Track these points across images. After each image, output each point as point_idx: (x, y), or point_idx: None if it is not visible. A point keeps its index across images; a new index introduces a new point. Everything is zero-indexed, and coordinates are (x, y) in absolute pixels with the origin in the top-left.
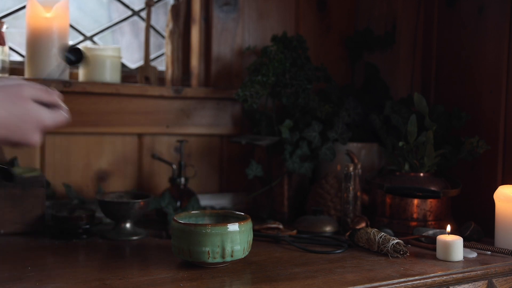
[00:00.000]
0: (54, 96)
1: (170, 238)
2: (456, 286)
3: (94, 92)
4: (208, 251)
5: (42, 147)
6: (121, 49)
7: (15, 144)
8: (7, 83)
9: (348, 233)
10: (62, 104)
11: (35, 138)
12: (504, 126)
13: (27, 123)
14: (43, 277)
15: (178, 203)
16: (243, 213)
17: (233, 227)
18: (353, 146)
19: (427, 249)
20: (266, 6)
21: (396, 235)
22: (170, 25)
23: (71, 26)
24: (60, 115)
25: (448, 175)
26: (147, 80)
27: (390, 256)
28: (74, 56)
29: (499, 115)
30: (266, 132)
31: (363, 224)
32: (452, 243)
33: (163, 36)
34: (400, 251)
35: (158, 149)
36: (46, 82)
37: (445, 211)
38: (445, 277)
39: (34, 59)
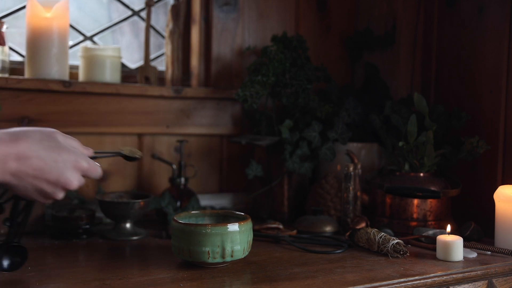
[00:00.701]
0: (88, 151)
1: (170, 238)
2: (456, 286)
3: (94, 92)
4: (208, 251)
5: None
6: (121, 49)
7: (53, 185)
8: (41, 129)
9: (348, 233)
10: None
11: (73, 176)
12: (504, 126)
13: (64, 159)
14: (43, 277)
15: (178, 203)
16: (243, 213)
17: (233, 227)
18: (353, 146)
19: (427, 249)
20: (266, 6)
21: (396, 235)
22: (170, 25)
23: (71, 26)
24: (94, 164)
25: (448, 175)
26: (147, 80)
27: (390, 256)
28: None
29: (499, 115)
30: (266, 132)
31: (363, 224)
32: (452, 243)
33: (163, 36)
34: (400, 251)
35: (158, 149)
36: (45, 80)
37: (445, 211)
38: (445, 277)
39: (34, 59)
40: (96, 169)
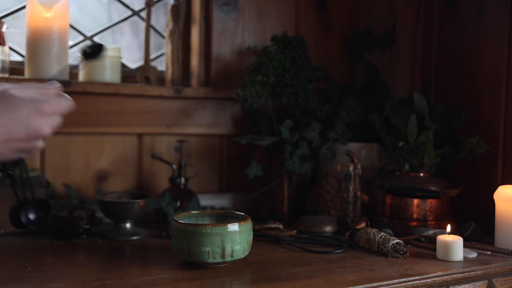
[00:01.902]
0: (51, 90)
1: (170, 238)
2: (456, 286)
3: (94, 92)
4: (208, 251)
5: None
6: (121, 49)
7: (25, 141)
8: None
9: (348, 233)
10: (64, 95)
11: (41, 124)
12: (504, 126)
13: (24, 113)
14: (43, 277)
15: (178, 203)
16: (243, 213)
17: (233, 227)
18: (353, 146)
19: (427, 249)
20: (266, 6)
21: (396, 235)
22: (170, 25)
23: (71, 26)
24: (60, 100)
25: (448, 175)
26: (147, 80)
27: (390, 256)
28: (91, 50)
29: (499, 115)
30: (266, 132)
31: (363, 224)
32: (452, 243)
33: (163, 36)
34: (400, 251)
35: (158, 149)
36: (45, 80)
37: (445, 211)
38: (445, 277)
39: (34, 59)
40: (63, 104)
